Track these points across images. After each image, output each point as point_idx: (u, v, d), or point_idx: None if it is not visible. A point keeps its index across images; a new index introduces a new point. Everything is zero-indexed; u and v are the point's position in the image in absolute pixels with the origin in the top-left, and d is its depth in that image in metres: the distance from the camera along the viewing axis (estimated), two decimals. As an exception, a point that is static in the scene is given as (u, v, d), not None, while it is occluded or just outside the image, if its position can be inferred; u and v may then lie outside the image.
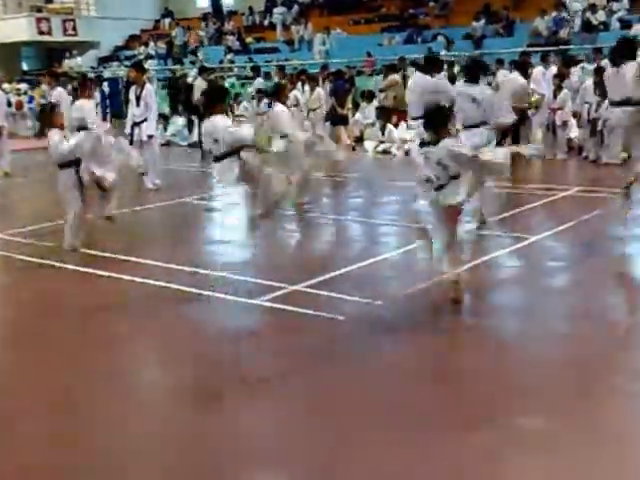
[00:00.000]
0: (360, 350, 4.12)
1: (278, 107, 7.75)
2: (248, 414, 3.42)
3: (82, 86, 8.56)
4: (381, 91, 13.71)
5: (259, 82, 14.27)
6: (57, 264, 6.01)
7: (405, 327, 4.45)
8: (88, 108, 7.91)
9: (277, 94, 8.03)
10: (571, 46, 14.85)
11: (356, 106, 14.45)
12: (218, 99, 6.07)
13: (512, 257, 5.97)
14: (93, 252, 6.32)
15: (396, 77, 14.05)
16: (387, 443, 3.08)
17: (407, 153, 12.07)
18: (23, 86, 19.59)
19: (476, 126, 6.60)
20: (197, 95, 14.24)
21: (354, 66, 16.51)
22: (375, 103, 13.68)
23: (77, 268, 5.87)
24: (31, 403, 3.61)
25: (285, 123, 7.59)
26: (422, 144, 4.74)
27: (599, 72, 10.66)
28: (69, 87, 14.38)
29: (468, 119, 6.66)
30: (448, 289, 4.70)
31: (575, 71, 11.78)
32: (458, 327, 4.66)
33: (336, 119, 12.44)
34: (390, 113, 13.22)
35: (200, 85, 14.32)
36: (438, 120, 4.76)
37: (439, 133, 4.67)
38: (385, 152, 12.62)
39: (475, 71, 7.01)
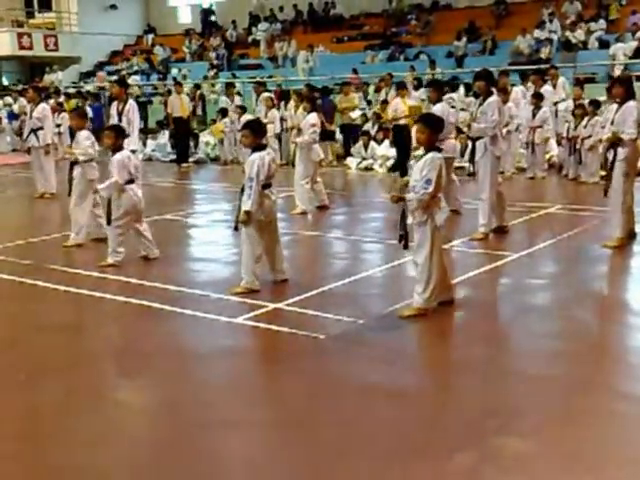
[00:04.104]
0: (340, 370, 4.08)
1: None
2: (223, 437, 3.36)
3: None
4: (347, 110, 13.74)
5: (238, 99, 14.33)
6: (37, 282, 5.92)
7: (387, 346, 4.41)
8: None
9: None
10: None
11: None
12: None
13: (494, 274, 5.97)
14: (72, 270, 6.25)
15: (355, 96, 14.12)
16: (368, 465, 3.03)
17: (391, 169, 12.12)
18: None
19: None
20: (170, 110, 14.28)
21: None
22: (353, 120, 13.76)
23: (56, 286, 5.78)
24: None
25: None
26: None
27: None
28: (51, 102, 14.28)
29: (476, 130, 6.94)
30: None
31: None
32: (440, 345, 4.65)
33: (322, 135, 12.50)
34: (351, 130, 13.38)
35: (173, 100, 14.34)
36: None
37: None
38: (367, 169, 12.66)
39: (491, 84, 7.17)
